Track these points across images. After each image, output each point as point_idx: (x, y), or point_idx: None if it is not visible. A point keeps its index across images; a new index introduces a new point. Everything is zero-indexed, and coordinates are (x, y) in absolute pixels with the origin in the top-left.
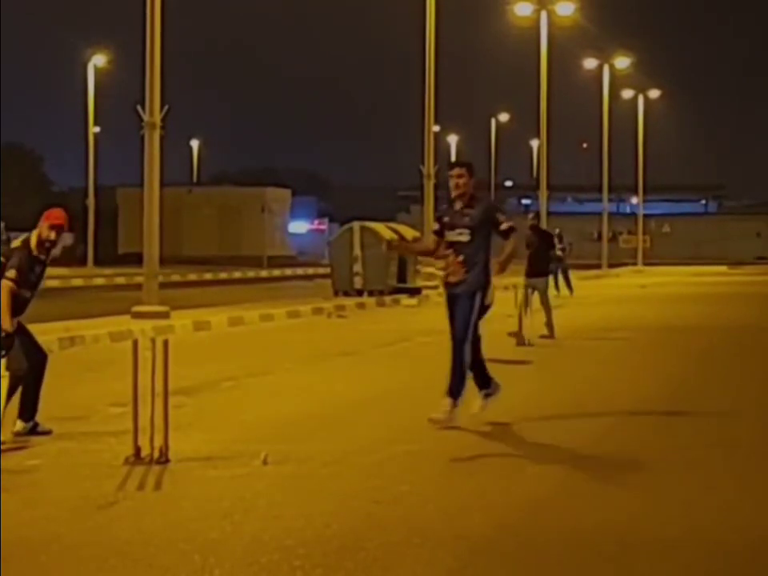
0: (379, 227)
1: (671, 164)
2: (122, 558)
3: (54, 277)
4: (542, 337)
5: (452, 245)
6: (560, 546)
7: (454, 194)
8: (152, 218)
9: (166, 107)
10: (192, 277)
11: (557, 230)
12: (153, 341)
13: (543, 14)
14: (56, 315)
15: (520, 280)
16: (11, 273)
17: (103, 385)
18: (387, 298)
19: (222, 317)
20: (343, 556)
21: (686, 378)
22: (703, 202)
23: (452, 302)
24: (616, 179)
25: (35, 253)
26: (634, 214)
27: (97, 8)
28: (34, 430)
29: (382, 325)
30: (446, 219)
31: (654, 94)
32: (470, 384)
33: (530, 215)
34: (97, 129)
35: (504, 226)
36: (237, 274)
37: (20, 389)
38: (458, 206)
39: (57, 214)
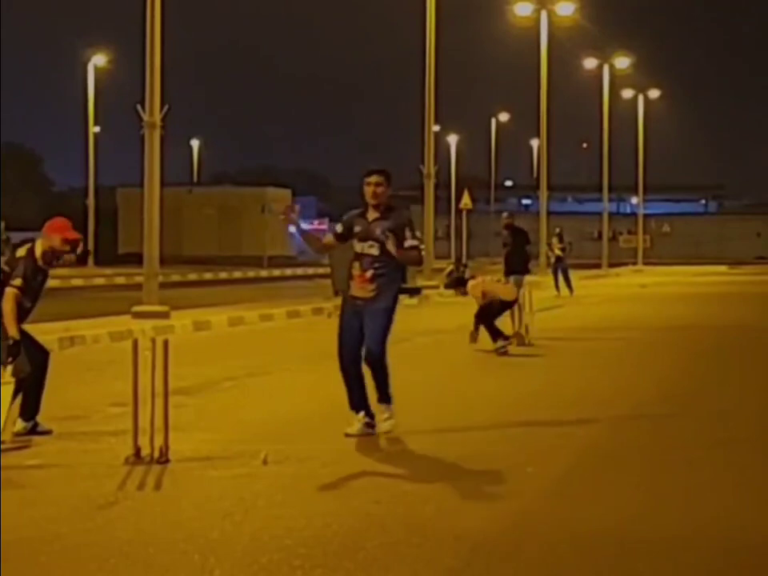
0: None
1: (671, 164)
2: (122, 557)
3: (54, 277)
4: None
5: (360, 256)
6: (560, 545)
7: (370, 202)
8: (152, 217)
9: (166, 107)
10: (192, 277)
11: (557, 230)
12: (153, 341)
13: (543, 14)
14: (56, 315)
15: (527, 279)
16: (17, 281)
17: (103, 385)
18: None
19: (222, 317)
20: (343, 556)
21: (686, 378)
22: (703, 201)
23: (357, 314)
24: (616, 179)
25: (39, 263)
26: (634, 214)
27: (97, 8)
28: (33, 430)
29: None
30: (357, 229)
31: (654, 93)
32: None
33: (505, 214)
34: (97, 129)
35: (407, 244)
36: (237, 274)
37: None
38: (371, 216)
39: (69, 227)
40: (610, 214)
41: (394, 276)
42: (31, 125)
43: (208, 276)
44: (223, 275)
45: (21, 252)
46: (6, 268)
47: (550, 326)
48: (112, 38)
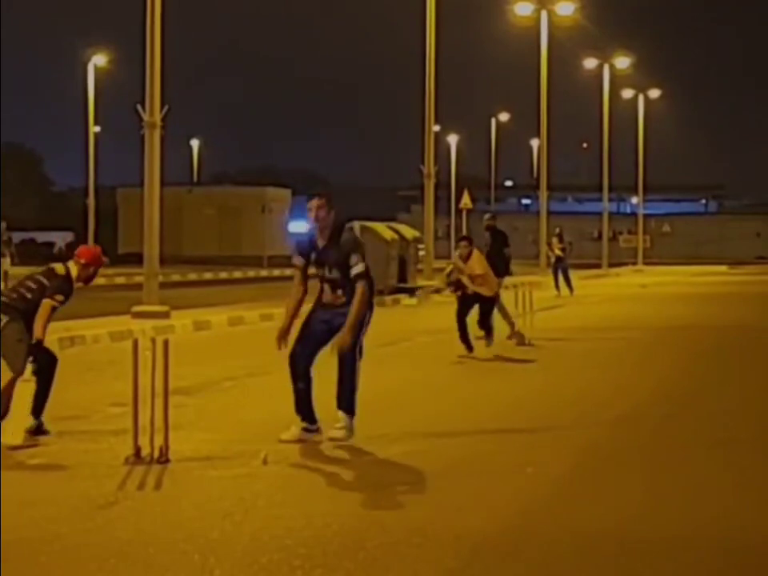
0: (380, 227)
1: (671, 164)
2: (122, 557)
3: None
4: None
5: (325, 280)
6: (560, 545)
7: (314, 227)
8: (152, 217)
9: (166, 107)
10: (192, 276)
11: (557, 230)
12: (153, 341)
13: (543, 14)
14: (56, 315)
15: (522, 279)
16: (59, 297)
17: (103, 384)
18: (387, 298)
19: (222, 316)
20: (343, 556)
21: (686, 378)
22: (703, 201)
23: (326, 322)
24: (616, 179)
25: (73, 284)
26: (634, 214)
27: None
28: (39, 429)
29: (382, 325)
30: (313, 256)
31: (654, 93)
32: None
33: (487, 215)
34: (97, 129)
35: (353, 271)
36: (237, 274)
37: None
38: (320, 242)
39: (99, 256)
40: (610, 214)
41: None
42: (31, 125)
43: (208, 276)
44: (223, 275)
45: (59, 270)
46: (43, 280)
47: (550, 325)
48: (112, 38)
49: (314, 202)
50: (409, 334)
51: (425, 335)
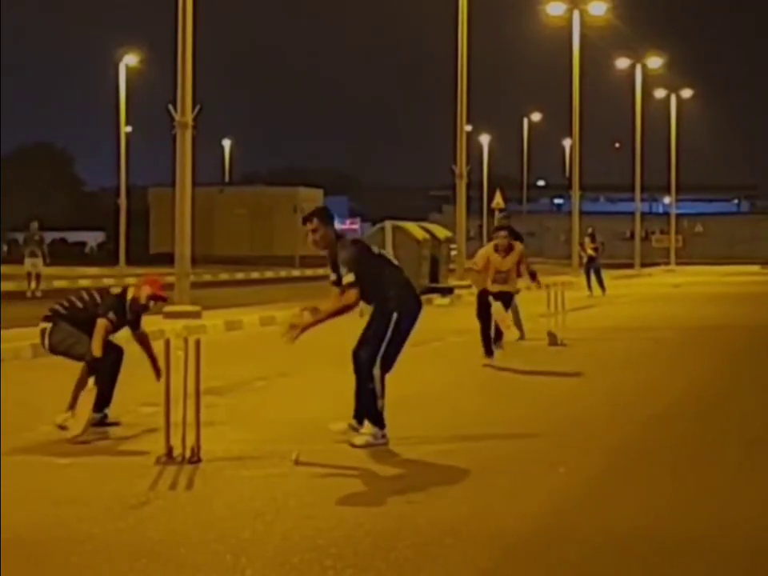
0: (412, 227)
1: (704, 163)
2: (154, 557)
3: (85, 276)
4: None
5: (342, 291)
6: (592, 545)
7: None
8: (184, 217)
9: (198, 107)
10: (224, 276)
11: (589, 230)
12: (185, 340)
13: (576, 14)
14: None
15: (554, 279)
16: (111, 315)
17: (135, 384)
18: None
19: (253, 316)
20: (375, 556)
21: (718, 378)
22: (736, 201)
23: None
24: (648, 179)
25: (127, 306)
26: (666, 214)
27: (129, 7)
28: (102, 422)
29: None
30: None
31: (687, 93)
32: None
33: (500, 215)
34: (129, 128)
35: (344, 282)
36: (269, 274)
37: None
38: (329, 257)
39: (161, 286)
40: (643, 214)
41: (380, 298)
42: (63, 125)
43: (239, 276)
44: (255, 275)
45: (115, 289)
46: (95, 294)
47: (582, 325)
48: (144, 38)
49: (308, 226)
50: (440, 333)
51: (456, 335)
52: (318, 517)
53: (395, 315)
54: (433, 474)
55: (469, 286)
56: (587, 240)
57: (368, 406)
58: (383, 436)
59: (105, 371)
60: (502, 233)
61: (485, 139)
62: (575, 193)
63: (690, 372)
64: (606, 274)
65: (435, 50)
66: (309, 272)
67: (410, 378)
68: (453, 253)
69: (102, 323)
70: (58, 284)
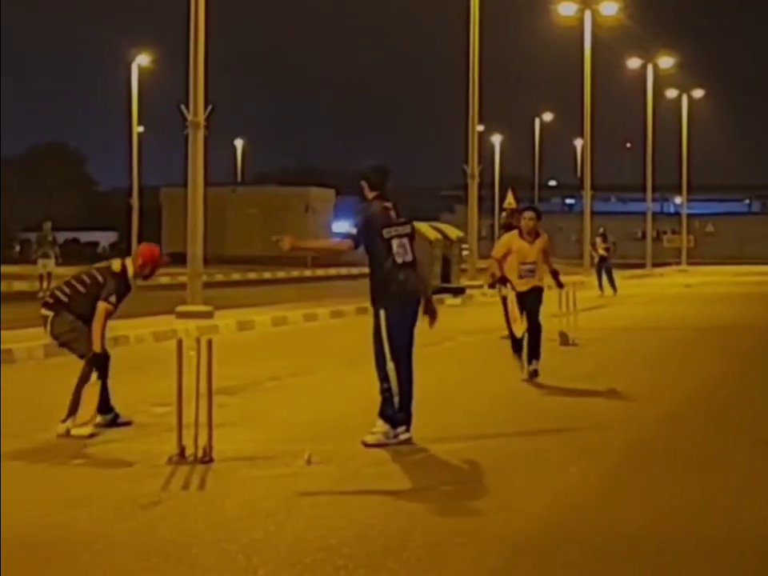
0: (424, 227)
1: (715, 164)
2: (166, 557)
3: None
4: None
5: None
6: (602, 545)
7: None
8: (196, 217)
9: (210, 107)
10: (236, 276)
11: (601, 230)
12: (197, 340)
13: (587, 14)
14: None
15: (565, 279)
16: (113, 298)
17: (147, 384)
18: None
19: (265, 316)
20: (387, 556)
21: (729, 377)
22: (747, 201)
23: None
24: (660, 179)
25: (130, 282)
26: (677, 214)
27: (141, 7)
28: (114, 422)
29: (425, 324)
30: None
31: (698, 93)
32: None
33: (504, 213)
34: (141, 128)
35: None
36: (280, 274)
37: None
38: None
39: (155, 255)
40: (654, 214)
41: (373, 280)
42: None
43: (252, 276)
44: (267, 275)
45: (116, 266)
46: (98, 276)
47: (593, 325)
48: (156, 38)
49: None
50: (452, 333)
51: (468, 335)
52: (330, 517)
53: (382, 312)
54: (443, 473)
55: (480, 286)
56: (598, 240)
57: (382, 406)
58: (395, 435)
59: (107, 368)
60: (528, 213)
61: (497, 139)
62: (587, 193)
63: (702, 372)
64: (617, 274)
65: (447, 50)
66: (320, 272)
67: (420, 378)
68: (464, 253)
69: (102, 307)
70: None
